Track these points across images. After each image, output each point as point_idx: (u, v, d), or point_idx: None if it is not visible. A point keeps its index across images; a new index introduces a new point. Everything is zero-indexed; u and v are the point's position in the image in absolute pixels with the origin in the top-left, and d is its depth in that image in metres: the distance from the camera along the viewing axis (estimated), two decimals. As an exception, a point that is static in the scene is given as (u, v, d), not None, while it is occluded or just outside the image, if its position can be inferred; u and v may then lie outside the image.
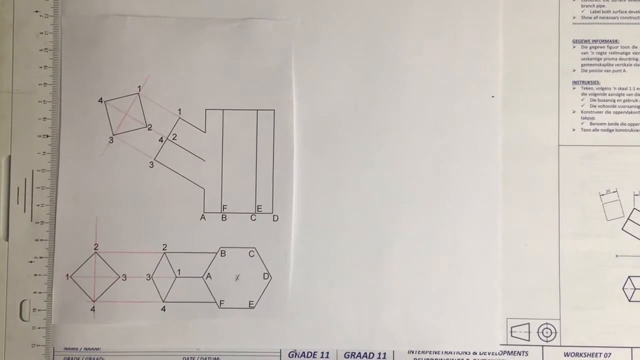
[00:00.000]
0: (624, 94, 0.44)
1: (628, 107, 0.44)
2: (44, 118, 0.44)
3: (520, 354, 0.43)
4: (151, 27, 0.44)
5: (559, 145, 0.44)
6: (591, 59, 0.44)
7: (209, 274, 0.43)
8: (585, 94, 0.44)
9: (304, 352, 0.43)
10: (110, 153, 0.43)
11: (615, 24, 0.44)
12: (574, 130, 0.44)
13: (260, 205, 0.43)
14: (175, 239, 0.43)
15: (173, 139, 0.44)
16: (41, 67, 0.44)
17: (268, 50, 0.44)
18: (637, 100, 0.44)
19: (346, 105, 0.44)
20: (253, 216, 0.43)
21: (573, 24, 0.44)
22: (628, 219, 0.43)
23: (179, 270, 0.43)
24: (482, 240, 0.43)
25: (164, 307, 0.43)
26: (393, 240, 0.43)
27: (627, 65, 0.44)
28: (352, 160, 0.44)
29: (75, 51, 0.44)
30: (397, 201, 0.43)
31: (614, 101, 0.44)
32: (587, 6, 0.44)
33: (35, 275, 0.43)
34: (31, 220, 0.43)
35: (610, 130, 0.44)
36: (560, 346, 0.43)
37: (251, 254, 0.43)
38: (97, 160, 0.43)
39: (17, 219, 0.43)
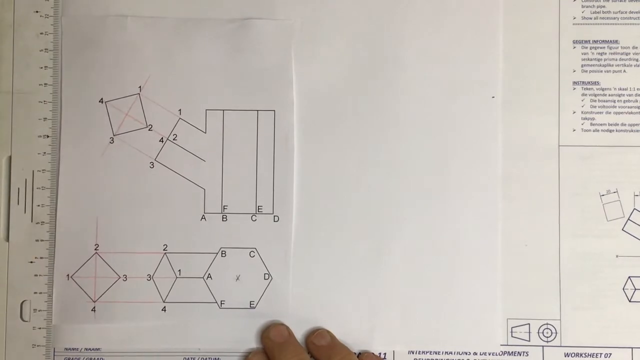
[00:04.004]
0: (624, 95, 0.44)
1: (628, 107, 0.44)
2: (45, 118, 0.43)
3: (520, 354, 0.43)
4: (152, 27, 0.44)
5: (559, 145, 0.44)
6: (591, 60, 0.44)
7: (209, 274, 0.43)
8: (586, 95, 0.44)
9: (303, 353, 0.43)
10: (111, 153, 0.43)
11: (616, 24, 0.44)
12: (574, 130, 0.44)
13: (261, 206, 0.43)
14: (175, 240, 0.43)
15: (173, 139, 0.44)
16: (41, 68, 0.44)
17: (268, 50, 0.44)
18: (637, 101, 0.44)
19: (346, 106, 0.44)
20: (253, 216, 0.43)
21: (573, 24, 0.44)
22: (628, 219, 0.43)
23: (179, 270, 0.43)
24: (482, 240, 0.43)
25: (165, 307, 0.43)
26: (393, 240, 0.43)
27: (627, 65, 0.44)
28: (352, 161, 0.44)
29: (76, 51, 0.44)
30: (397, 201, 0.43)
31: (614, 102, 0.44)
32: (587, 7, 0.44)
33: (36, 275, 0.43)
34: (31, 221, 0.43)
35: (611, 131, 0.44)
36: (561, 346, 0.43)
37: (252, 254, 0.43)
38: (98, 160, 0.43)
39: (18, 220, 0.43)
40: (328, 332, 0.43)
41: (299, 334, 0.43)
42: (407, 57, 0.44)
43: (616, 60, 0.44)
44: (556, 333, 0.43)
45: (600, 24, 0.44)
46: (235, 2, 0.44)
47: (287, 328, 0.42)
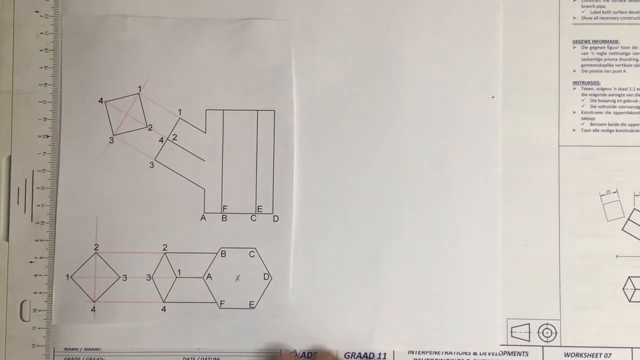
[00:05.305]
0: (624, 95, 0.44)
1: (628, 107, 0.44)
2: (44, 118, 0.44)
3: (520, 354, 0.43)
4: (151, 27, 0.44)
5: (559, 145, 0.44)
6: (591, 60, 0.44)
7: (209, 274, 0.43)
8: (586, 95, 0.44)
9: (304, 353, 0.43)
10: (111, 153, 0.43)
11: (616, 24, 0.44)
12: (574, 130, 0.44)
13: (261, 206, 0.43)
14: (175, 240, 0.43)
15: (173, 139, 0.44)
16: (41, 68, 0.44)
17: (268, 50, 0.44)
18: (637, 101, 0.44)
19: (346, 106, 0.44)
20: (253, 216, 0.43)
21: (573, 24, 0.44)
22: (628, 219, 0.43)
23: (179, 270, 0.43)
24: (482, 240, 0.43)
25: (164, 307, 0.43)
26: (393, 240, 0.43)
27: (627, 65, 0.44)
28: (352, 161, 0.44)
29: (76, 51, 0.44)
30: (397, 201, 0.43)
31: (614, 102, 0.44)
32: (587, 7, 0.44)
33: (36, 275, 0.43)
34: (31, 221, 0.43)
35: (611, 131, 0.44)
36: (561, 346, 0.43)
37: (251, 254, 0.43)
38: (98, 160, 0.43)
39: (18, 219, 0.43)
40: (329, 354, 0.43)
41: (298, 333, 0.43)
42: (407, 57, 0.44)
43: (616, 60, 0.44)
44: (556, 333, 0.43)
45: (600, 24, 0.44)
46: (235, 2, 0.44)
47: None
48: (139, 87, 0.44)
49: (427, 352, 0.43)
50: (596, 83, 0.44)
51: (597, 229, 0.43)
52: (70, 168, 0.43)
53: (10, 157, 0.44)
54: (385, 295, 0.43)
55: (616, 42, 0.44)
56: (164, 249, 0.43)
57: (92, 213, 0.43)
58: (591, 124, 0.44)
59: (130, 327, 0.43)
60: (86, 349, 0.43)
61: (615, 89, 0.44)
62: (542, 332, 0.43)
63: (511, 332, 0.43)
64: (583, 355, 0.43)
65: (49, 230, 0.43)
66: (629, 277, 0.43)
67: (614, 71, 0.44)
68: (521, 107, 0.44)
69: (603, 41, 0.44)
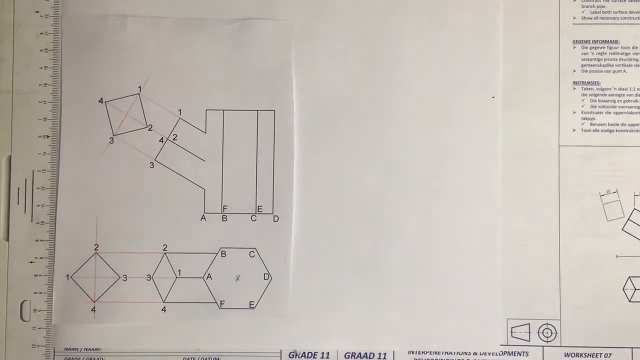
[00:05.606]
0: (624, 95, 0.44)
1: (628, 107, 0.44)
2: (44, 118, 0.44)
3: (520, 354, 0.43)
4: (152, 27, 0.44)
5: (559, 145, 0.44)
6: (591, 60, 0.44)
7: (209, 274, 0.43)
8: (586, 95, 0.44)
9: (304, 353, 0.43)
10: (111, 153, 0.43)
11: (616, 24, 0.44)
12: (574, 130, 0.44)
13: (261, 206, 0.43)
14: (175, 240, 0.43)
15: (173, 139, 0.44)
16: (41, 68, 0.44)
17: (268, 50, 0.44)
18: (637, 101, 0.44)
19: (346, 105, 0.44)
20: (253, 216, 0.43)
21: (573, 24, 0.44)
22: (628, 219, 0.43)
23: (179, 270, 0.43)
24: (482, 240, 0.43)
25: (165, 307, 0.43)
26: (393, 240, 0.43)
27: (627, 65, 0.44)
28: (352, 161, 0.44)
29: (76, 51, 0.44)
30: (397, 201, 0.43)
31: (614, 102, 0.44)
32: (587, 6, 0.44)
33: (36, 275, 0.43)
34: (31, 221, 0.43)
35: (611, 131, 0.44)
36: (561, 346, 0.43)
37: (251, 254, 0.43)
38: (98, 160, 0.43)
39: (18, 220, 0.43)
40: None
41: (298, 333, 0.43)
42: (407, 57, 0.44)
43: (616, 60, 0.44)
44: (556, 333, 0.43)
45: (600, 24, 0.44)
46: (235, 2, 0.44)
47: None
48: (139, 87, 0.44)
49: (427, 352, 0.43)
50: (596, 83, 0.44)
51: (597, 229, 0.44)
52: (70, 168, 0.43)
53: (10, 157, 0.44)
54: (385, 295, 0.43)
55: (616, 42, 0.44)
56: (164, 249, 0.43)
57: (92, 213, 0.43)
58: (591, 124, 0.44)
59: (130, 327, 0.43)
60: (86, 349, 0.43)
61: (615, 89, 0.44)
62: (542, 332, 0.43)
63: (511, 332, 0.43)
64: (583, 355, 0.43)
65: (49, 230, 0.43)
66: (629, 277, 0.43)
67: (614, 71, 0.44)
68: (521, 107, 0.44)
69: (603, 41, 0.44)
